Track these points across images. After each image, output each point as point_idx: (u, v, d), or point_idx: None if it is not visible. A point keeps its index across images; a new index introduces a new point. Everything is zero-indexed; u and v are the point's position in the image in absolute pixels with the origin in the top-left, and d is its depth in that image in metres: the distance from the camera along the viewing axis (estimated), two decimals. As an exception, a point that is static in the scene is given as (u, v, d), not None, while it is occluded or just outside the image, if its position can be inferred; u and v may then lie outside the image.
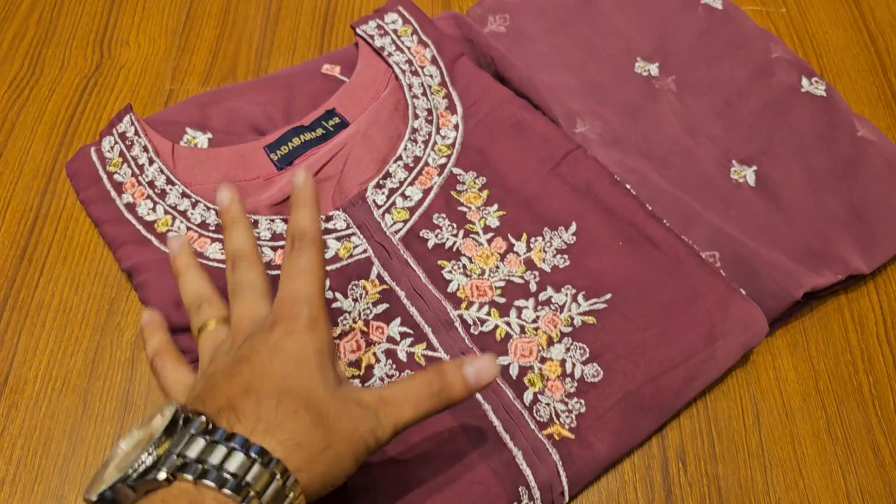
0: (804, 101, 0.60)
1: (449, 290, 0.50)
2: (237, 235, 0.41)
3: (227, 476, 0.30)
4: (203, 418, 0.32)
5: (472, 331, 0.48)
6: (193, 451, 0.30)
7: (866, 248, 0.52)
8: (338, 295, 0.50)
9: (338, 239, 0.52)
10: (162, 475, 0.30)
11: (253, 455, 0.30)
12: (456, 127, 0.57)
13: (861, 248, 0.52)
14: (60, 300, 0.52)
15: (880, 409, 0.48)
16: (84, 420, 0.48)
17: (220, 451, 0.30)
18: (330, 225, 0.52)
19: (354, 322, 0.49)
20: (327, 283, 0.50)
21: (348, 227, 0.52)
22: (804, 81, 0.61)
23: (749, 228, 0.53)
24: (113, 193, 0.54)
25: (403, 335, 0.48)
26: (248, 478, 0.30)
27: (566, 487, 0.43)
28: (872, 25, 0.67)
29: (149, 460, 0.30)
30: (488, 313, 0.49)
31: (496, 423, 0.45)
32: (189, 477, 0.30)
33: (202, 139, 0.57)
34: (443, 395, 0.36)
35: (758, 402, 0.48)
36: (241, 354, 0.35)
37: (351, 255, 0.51)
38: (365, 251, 0.51)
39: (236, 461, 0.30)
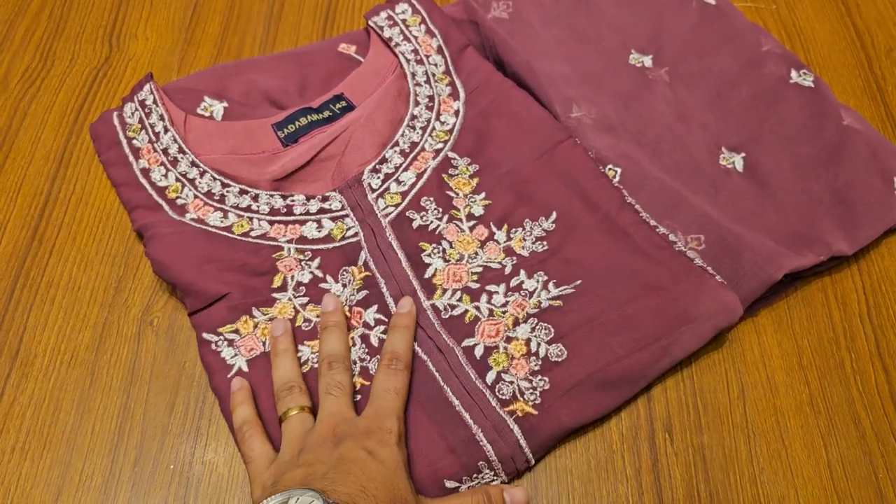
0: (793, 92, 0.62)
1: (426, 275, 0.51)
2: (336, 340, 0.48)
3: None
4: None
5: (442, 315, 0.50)
6: None
7: (849, 230, 0.54)
8: (328, 277, 0.52)
9: (332, 219, 0.54)
10: None
11: None
12: (457, 113, 0.59)
13: (844, 231, 0.54)
14: (69, 279, 0.54)
15: (861, 384, 0.50)
16: (91, 391, 0.49)
17: None
18: (326, 205, 0.54)
19: None
20: (318, 261, 0.52)
21: (343, 207, 0.54)
22: (793, 73, 0.63)
23: (736, 212, 0.55)
24: (131, 157, 0.57)
25: (377, 321, 0.50)
26: None
27: (530, 456, 0.45)
28: (858, 21, 0.69)
29: None
30: (460, 299, 0.50)
31: (456, 402, 0.46)
32: None
33: (218, 107, 0.60)
34: None
35: (743, 377, 0.50)
36: (343, 454, 0.40)
37: (344, 237, 0.53)
38: (356, 234, 0.53)
39: None
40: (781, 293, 0.53)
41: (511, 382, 0.47)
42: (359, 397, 0.47)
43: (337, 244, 0.53)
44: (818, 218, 0.54)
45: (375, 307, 0.50)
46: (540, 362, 0.47)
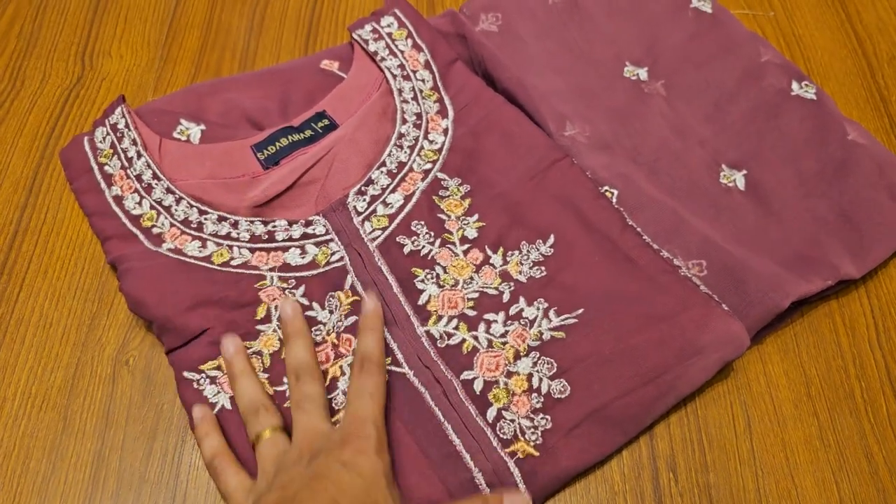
0: (794, 105, 0.59)
1: (419, 302, 0.49)
2: (300, 349, 0.44)
3: None
4: None
5: (438, 344, 0.47)
6: None
7: (857, 252, 0.52)
8: (315, 305, 0.49)
9: (316, 244, 0.51)
10: None
11: None
12: (445, 131, 0.56)
13: (851, 253, 0.52)
14: (40, 315, 0.51)
15: (873, 414, 0.48)
16: (64, 438, 0.47)
17: None
18: (309, 230, 0.52)
19: (328, 334, 0.48)
20: (302, 289, 0.50)
21: (327, 232, 0.52)
22: (794, 85, 0.60)
23: (738, 234, 0.53)
24: (103, 185, 0.54)
25: None
26: None
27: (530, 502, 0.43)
28: (860, 28, 0.67)
29: None
30: (456, 327, 0.48)
31: (457, 442, 0.44)
32: None
33: (195, 130, 0.57)
34: None
35: (749, 409, 0.48)
36: (316, 470, 0.38)
37: (328, 262, 0.50)
38: (342, 258, 0.51)
39: None
40: (787, 319, 0.51)
41: (512, 421, 0.44)
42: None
43: (322, 270, 0.50)
44: (824, 239, 0.52)
45: None
46: (542, 399, 0.45)
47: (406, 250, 0.51)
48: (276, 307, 0.49)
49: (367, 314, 0.46)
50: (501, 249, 0.51)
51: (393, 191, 0.53)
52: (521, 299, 0.49)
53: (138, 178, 0.54)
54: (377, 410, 0.42)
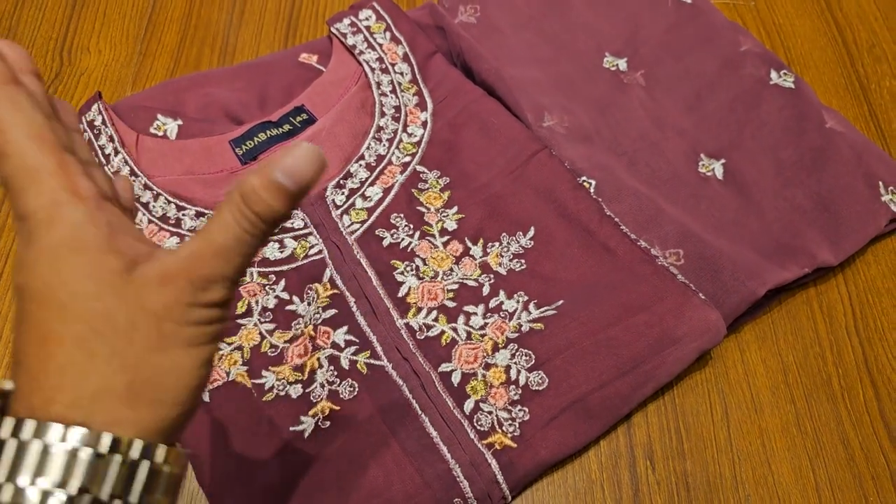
0: (773, 94, 0.59)
1: (399, 294, 0.49)
2: None
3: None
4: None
5: (417, 336, 0.47)
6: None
7: (834, 239, 0.52)
8: (294, 298, 0.49)
9: (295, 238, 0.51)
10: None
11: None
12: (424, 124, 0.56)
13: (829, 240, 0.52)
14: (18, 311, 0.51)
15: (850, 401, 0.48)
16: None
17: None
18: (287, 224, 0.52)
19: (306, 326, 0.48)
20: (283, 284, 0.50)
21: (306, 226, 0.52)
22: (773, 74, 0.60)
23: (717, 222, 0.53)
24: None
25: (348, 343, 0.47)
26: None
27: (507, 492, 0.43)
28: (839, 16, 0.67)
29: None
30: (436, 319, 0.48)
31: (434, 434, 0.44)
32: None
33: (172, 126, 0.57)
34: (264, 219, 0.25)
35: (726, 397, 0.48)
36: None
37: (307, 255, 0.50)
38: (320, 252, 0.50)
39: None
40: (765, 306, 0.51)
41: (489, 413, 0.44)
42: (328, 423, 0.44)
43: (300, 262, 0.50)
44: (801, 227, 0.52)
45: (346, 328, 0.48)
46: (520, 391, 0.45)
47: (385, 243, 0.51)
48: (256, 302, 0.49)
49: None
50: (481, 241, 0.51)
51: (372, 184, 0.53)
52: (501, 292, 0.49)
53: (116, 174, 0.54)
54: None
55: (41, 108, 0.26)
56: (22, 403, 0.24)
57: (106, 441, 0.23)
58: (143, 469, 0.24)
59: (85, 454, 0.23)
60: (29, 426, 0.23)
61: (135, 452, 0.24)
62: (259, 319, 0.48)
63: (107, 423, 0.24)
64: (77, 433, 0.23)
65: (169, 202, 0.52)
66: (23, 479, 0.23)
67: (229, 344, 0.47)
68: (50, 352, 0.24)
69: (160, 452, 0.25)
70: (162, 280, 0.25)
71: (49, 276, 0.24)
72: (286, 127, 0.56)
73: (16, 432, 0.23)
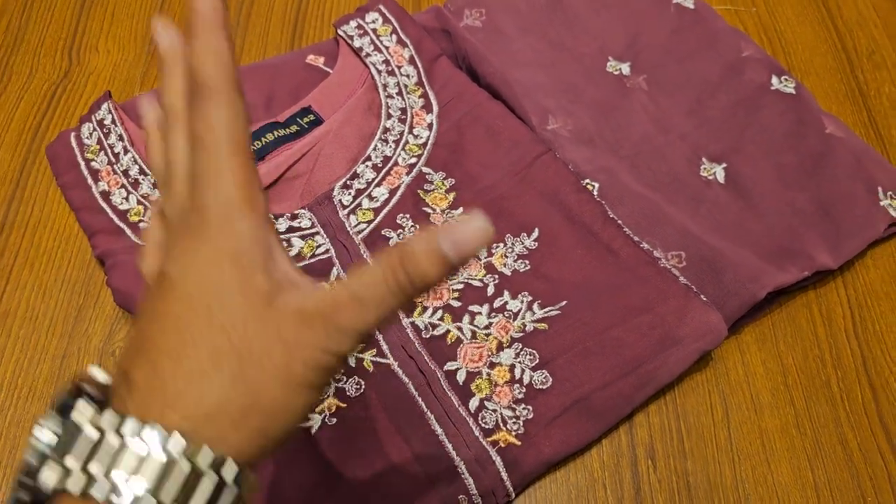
0: (774, 99, 0.60)
1: None
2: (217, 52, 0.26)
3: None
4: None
5: (423, 335, 0.48)
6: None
7: (834, 243, 0.53)
8: None
9: (302, 237, 0.52)
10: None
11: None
12: (430, 126, 0.57)
13: (828, 244, 0.53)
14: (27, 307, 0.52)
15: (848, 403, 0.48)
16: (50, 428, 0.47)
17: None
18: (295, 223, 0.52)
19: None
20: None
21: (313, 225, 0.52)
22: (774, 79, 0.61)
23: (718, 226, 0.54)
24: (90, 180, 0.55)
25: None
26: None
27: (511, 489, 0.43)
28: (840, 24, 0.68)
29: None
30: (441, 318, 0.49)
31: (439, 431, 0.44)
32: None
33: None
34: (414, 285, 0.25)
35: (727, 398, 0.48)
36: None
37: (314, 255, 0.51)
38: (327, 251, 0.51)
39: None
40: (765, 309, 0.52)
41: (494, 411, 0.45)
42: (334, 420, 0.45)
43: (307, 261, 0.51)
44: (801, 231, 0.53)
45: None
46: (524, 390, 0.46)
47: (391, 243, 0.52)
48: None
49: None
50: None
51: (378, 184, 0.54)
52: (506, 292, 0.49)
53: (125, 173, 0.54)
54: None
55: (242, 97, 0.26)
56: (135, 397, 0.24)
57: (207, 458, 0.23)
58: (229, 494, 0.24)
59: (185, 467, 0.23)
60: (136, 426, 0.23)
61: (228, 475, 0.23)
62: None
63: (210, 439, 0.23)
64: (180, 442, 0.23)
65: None
66: (118, 477, 0.22)
67: None
68: (185, 354, 0.24)
69: (248, 480, 0.24)
70: (299, 316, 0.25)
71: (204, 281, 0.24)
72: (293, 128, 0.57)
73: (119, 428, 0.23)
